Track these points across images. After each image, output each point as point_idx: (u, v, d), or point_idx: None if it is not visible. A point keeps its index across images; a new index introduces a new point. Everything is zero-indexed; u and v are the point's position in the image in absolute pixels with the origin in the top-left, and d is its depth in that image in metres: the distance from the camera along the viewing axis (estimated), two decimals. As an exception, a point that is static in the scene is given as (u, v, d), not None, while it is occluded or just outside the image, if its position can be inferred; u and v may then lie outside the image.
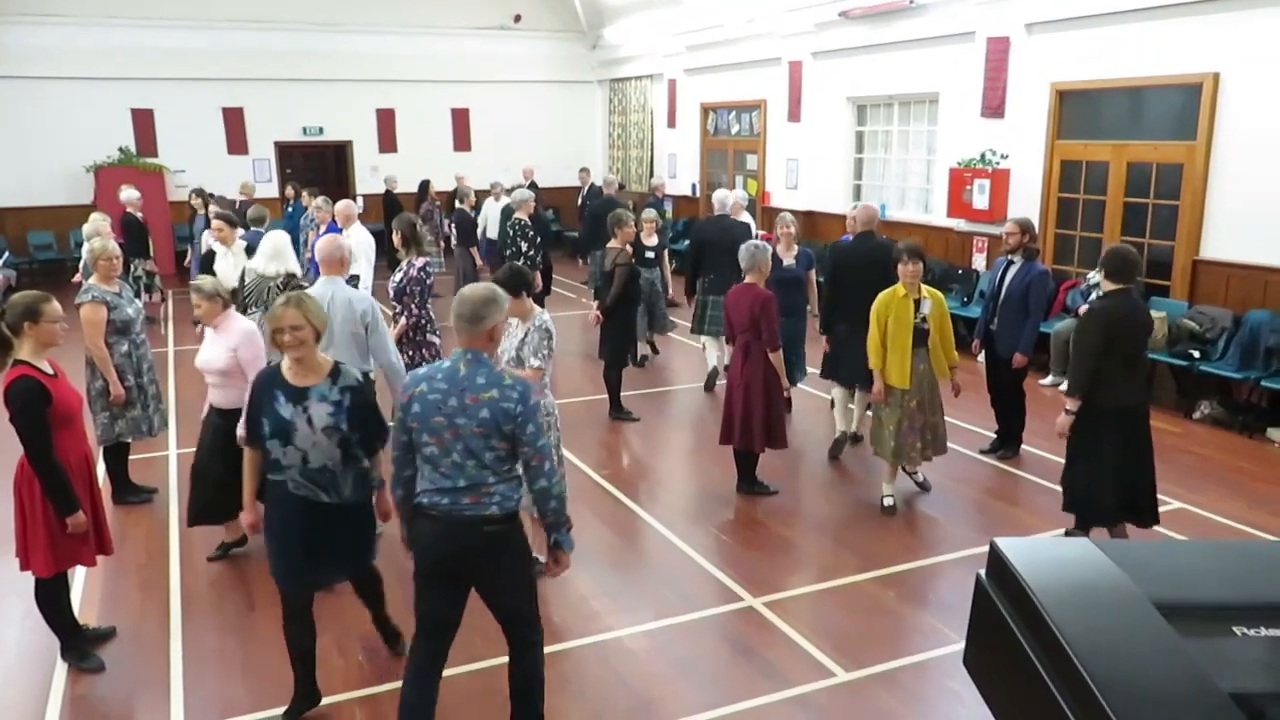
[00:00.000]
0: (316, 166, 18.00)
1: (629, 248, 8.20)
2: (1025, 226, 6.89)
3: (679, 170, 16.77)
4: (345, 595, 5.13)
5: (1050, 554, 1.38)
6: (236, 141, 16.75)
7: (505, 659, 4.48)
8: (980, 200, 10.49)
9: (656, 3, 16.14)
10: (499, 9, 17.88)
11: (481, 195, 13.46)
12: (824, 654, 4.52)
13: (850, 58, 12.57)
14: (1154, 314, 8.30)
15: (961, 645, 1.51)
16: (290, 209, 13.70)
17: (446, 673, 4.37)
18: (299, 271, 7.71)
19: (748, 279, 6.28)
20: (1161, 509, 6.10)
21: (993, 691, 1.38)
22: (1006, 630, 1.29)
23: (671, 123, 16.90)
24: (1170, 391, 8.53)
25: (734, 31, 14.40)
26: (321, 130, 17.33)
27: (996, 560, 1.36)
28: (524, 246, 9.94)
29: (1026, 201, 10.00)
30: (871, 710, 4.16)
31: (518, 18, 18.00)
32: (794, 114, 13.69)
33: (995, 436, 7.30)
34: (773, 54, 13.82)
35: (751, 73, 14.55)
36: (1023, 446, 7.20)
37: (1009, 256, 6.95)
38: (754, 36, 14.06)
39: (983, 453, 7.26)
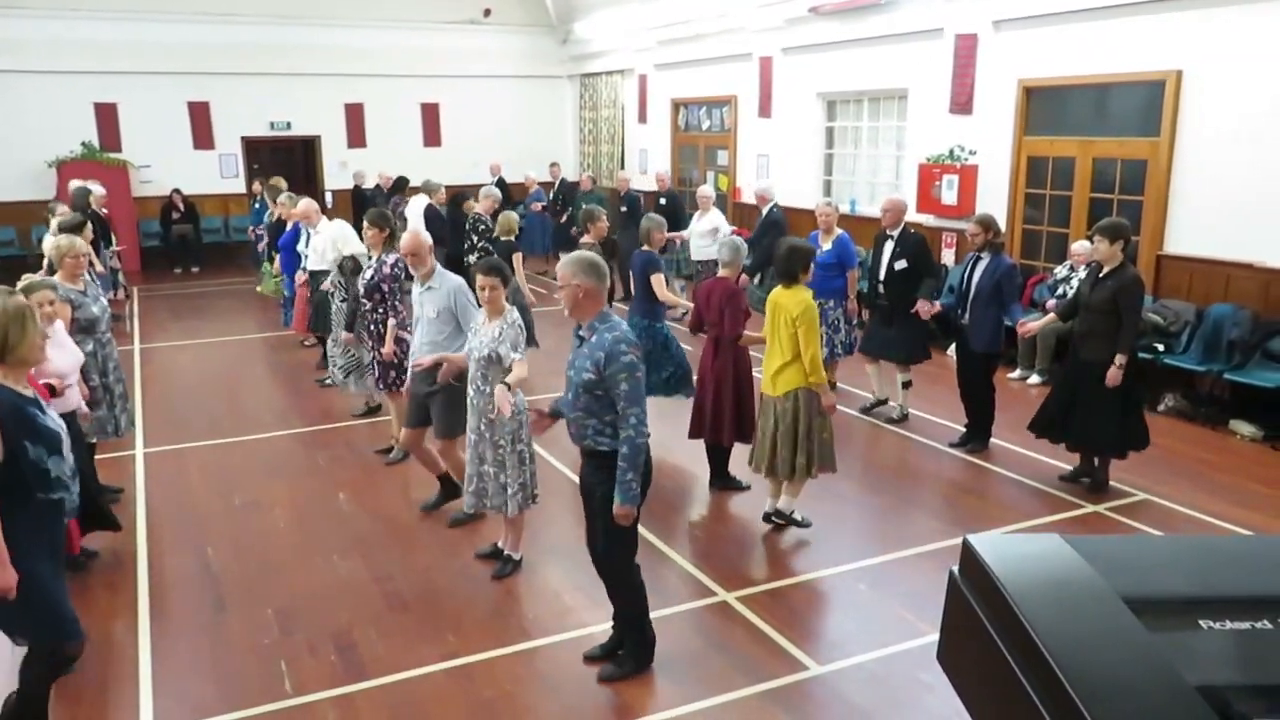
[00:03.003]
0: (284, 161, 17.79)
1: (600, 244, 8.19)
2: (987, 224, 6.96)
3: (650, 165, 16.77)
4: (322, 596, 5.11)
5: (1021, 551, 1.40)
6: (203, 136, 16.53)
7: (480, 656, 4.50)
8: (949, 196, 10.58)
9: (626, -3, 16.13)
10: (468, 3, 17.74)
11: (413, 192, 13.21)
12: (797, 647, 4.55)
13: (820, 53, 12.62)
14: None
15: (932, 637, 1.53)
16: (257, 204, 13.55)
17: (422, 670, 4.39)
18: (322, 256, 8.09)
19: (721, 272, 6.30)
20: (1127, 500, 6.34)
21: (966, 685, 1.41)
22: (979, 626, 1.31)
23: (642, 118, 16.89)
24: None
25: (705, 27, 14.41)
26: (289, 125, 17.14)
27: (969, 557, 1.39)
28: (477, 240, 9.87)
29: (994, 197, 10.10)
30: (844, 702, 4.20)
31: (487, 12, 17.89)
32: (764, 109, 13.73)
33: (965, 430, 7.38)
34: (743, 49, 13.85)
35: (722, 68, 14.56)
36: (992, 440, 7.28)
37: (976, 253, 7.02)
38: (725, 32, 14.07)
39: (952, 446, 7.33)
